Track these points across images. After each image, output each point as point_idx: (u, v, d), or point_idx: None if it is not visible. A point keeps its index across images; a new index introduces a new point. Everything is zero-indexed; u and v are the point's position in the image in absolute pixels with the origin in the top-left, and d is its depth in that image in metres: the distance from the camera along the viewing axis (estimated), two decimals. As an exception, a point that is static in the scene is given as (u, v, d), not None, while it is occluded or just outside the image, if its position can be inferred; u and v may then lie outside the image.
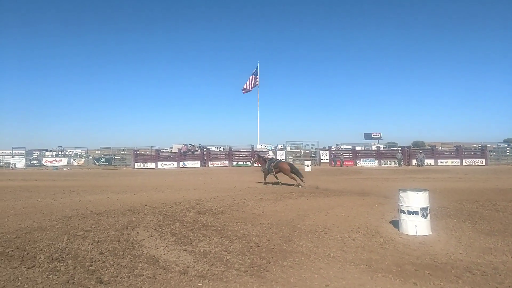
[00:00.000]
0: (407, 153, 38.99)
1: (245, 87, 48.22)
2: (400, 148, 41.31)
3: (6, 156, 43.61)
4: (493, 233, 6.32)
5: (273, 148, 42.51)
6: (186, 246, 5.57)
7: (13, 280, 4.11)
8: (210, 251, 5.26)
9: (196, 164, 39.13)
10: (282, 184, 15.61)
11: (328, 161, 39.29)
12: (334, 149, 43.59)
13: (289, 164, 16.47)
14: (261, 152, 25.53)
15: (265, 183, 16.31)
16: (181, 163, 39.28)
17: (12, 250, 5.30)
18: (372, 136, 57.31)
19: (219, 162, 39.75)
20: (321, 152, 40.75)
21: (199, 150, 42.80)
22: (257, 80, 48.39)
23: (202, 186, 15.87)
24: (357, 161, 38.91)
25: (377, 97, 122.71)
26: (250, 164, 22.42)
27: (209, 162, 39.71)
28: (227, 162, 39.51)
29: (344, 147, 46.41)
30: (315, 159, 40.28)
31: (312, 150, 43.95)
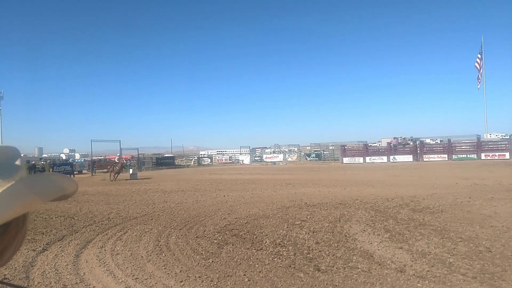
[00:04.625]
0: None
1: (479, 73, 41.96)
2: None
3: (235, 154, 52.59)
4: None
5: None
6: (401, 244, 5.33)
7: (246, 259, 4.93)
8: (430, 252, 4.85)
9: (409, 158, 36.55)
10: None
11: None
12: None
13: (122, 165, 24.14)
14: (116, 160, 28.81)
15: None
16: (391, 157, 37.55)
17: (244, 233, 6.38)
18: None
19: (435, 156, 35.83)
20: None
21: (411, 143, 39.84)
22: (481, 58, 41.35)
23: (416, 182, 14.74)
24: None
25: None
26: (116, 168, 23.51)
27: (424, 155, 36.38)
28: (445, 155, 35.18)
29: None
30: None
31: None
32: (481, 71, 42.42)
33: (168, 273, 4.41)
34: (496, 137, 41.09)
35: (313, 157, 44.74)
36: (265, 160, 46.81)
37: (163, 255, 5.22)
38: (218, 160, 50.31)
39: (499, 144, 34.84)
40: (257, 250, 5.32)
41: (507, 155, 31.84)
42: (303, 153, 47.29)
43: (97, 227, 7.41)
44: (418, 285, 3.76)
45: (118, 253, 5.40)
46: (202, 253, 5.23)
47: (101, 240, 6.28)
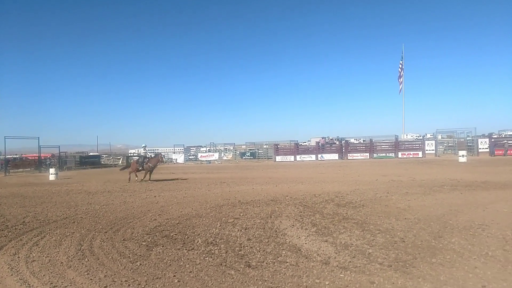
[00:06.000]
0: None
1: (400, 79, 46.25)
2: None
3: (169, 152, 51.32)
4: None
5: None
6: (327, 237, 5.62)
7: (177, 260, 4.81)
8: (352, 244, 5.18)
9: (335, 156, 38.77)
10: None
11: (487, 150, 33.93)
12: (495, 136, 37.43)
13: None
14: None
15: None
16: (319, 155, 39.49)
17: (175, 234, 6.24)
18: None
19: (358, 154, 38.49)
20: (479, 140, 35.42)
21: (337, 142, 42.24)
22: (402, 65, 45.52)
23: (341, 178, 15.67)
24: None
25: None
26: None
27: (348, 154, 38.84)
28: (367, 154, 37.94)
29: (509, 133, 39.38)
30: (471, 148, 35.37)
31: (468, 138, 38.66)
32: (401, 76, 46.62)
33: (91, 279, 4.15)
34: (412, 137, 45.27)
35: (248, 156, 45.26)
36: (200, 159, 46.27)
37: (86, 260, 4.89)
38: (149, 159, 48.51)
39: (414, 144, 38.49)
40: (188, 250, 5.23)
41: (420, 154, 35.33)
42: (238, 152, 47.61)
43: (9, 233, 6.70)
44: (341, 275, 3.99)
45: (34, 260, 4.95)
46: (129, 256, 5.00)
47: (14, 247, 5.70)
